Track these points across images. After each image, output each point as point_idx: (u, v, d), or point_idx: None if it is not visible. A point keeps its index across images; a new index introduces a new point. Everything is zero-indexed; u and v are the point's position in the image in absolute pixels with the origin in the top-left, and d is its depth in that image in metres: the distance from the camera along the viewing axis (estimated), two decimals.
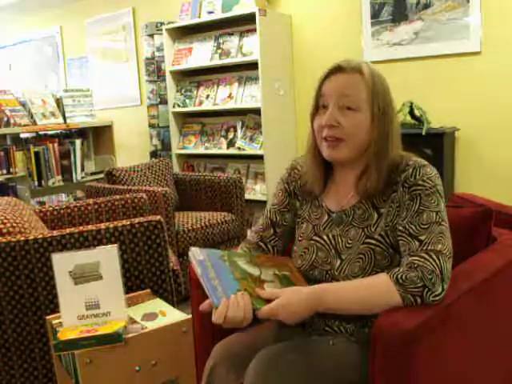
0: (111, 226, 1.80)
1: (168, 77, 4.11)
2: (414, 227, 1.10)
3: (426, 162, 1.17)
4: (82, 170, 3.88)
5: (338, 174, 1.26)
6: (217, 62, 3.81)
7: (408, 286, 1.04)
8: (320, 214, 1.27)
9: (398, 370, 0.98)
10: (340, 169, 1.25)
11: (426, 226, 1.09)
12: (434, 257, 1.05)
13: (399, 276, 1.05)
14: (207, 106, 3.95)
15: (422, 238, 1.08)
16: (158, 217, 1.86)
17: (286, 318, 1.06)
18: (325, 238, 1.24)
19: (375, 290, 1.07)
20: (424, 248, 1.07)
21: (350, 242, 1.19)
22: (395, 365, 0.98)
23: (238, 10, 3.65)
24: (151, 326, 1.46)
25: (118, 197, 2.45)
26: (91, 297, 1.45)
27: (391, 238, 1.15)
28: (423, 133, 2.79)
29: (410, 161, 1.16)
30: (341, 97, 1.15)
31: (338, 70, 1.18)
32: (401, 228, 1.12)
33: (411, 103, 2.96)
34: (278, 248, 1.35)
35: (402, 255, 1.12)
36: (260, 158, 3.69)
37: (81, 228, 1.79)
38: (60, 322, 1.48)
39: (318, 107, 1.20)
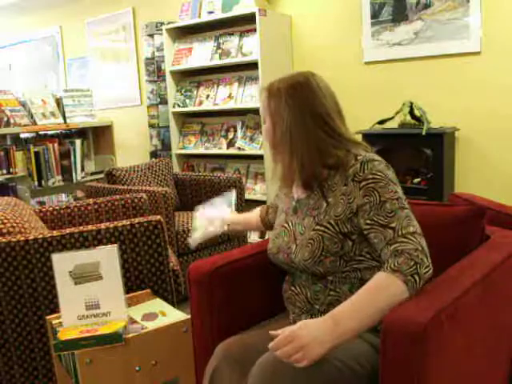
0: (111, 226, 1.80)
1: (168, 77, 4.11)
2: (381, 218, 1.17)
3: (373, 156, 1.24)
4: (82, 170, 3.87)
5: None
6: (217, 62, 3.81)
7: (403, 270, 1.09)
8: (289, 204, 1.40)
9: (409, 366, 0.98)
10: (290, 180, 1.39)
11: (392, 214, 1.17)
12: (411, 238, 1.13)
13: (391, 266, 1.11)
14: (207, 106, 3.95)
15: (393, 225, 1.16)
16: (158, 217, 1.86)
17: (307, 343, 1.02)
18: (289, 224, 1.36)
19: (379, 289, 1.10)
20: (399, 234, 1.15)
21: (303, 228, 1.30)
22: (406, 360, 0.98)
23: (237, 10, 3.65)
24: (151, 325, 1.47)
25: (117, 197, 2.45)
26: (91, 297, 1.45)
27: (341, 227, 1.23)
28: (423, 133, 2.79)
29: (359, 156, 1.24)
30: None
31: (261, 91, 1.38)
32: (368, 221, 1.19)
33: (411, 103, 2.96)
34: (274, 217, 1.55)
35: (379, 246, 1.18)
36: (260, 157, 3.69)
37: (81, 228, 1.79)
38: (60, 322, 1.48)
39: None
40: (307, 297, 1.29)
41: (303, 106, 1.27)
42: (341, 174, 1.24)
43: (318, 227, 1.25)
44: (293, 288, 1.34)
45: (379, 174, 1.20)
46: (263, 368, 1.10)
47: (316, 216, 1.27)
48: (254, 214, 1.69)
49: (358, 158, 1.23)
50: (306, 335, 1.03)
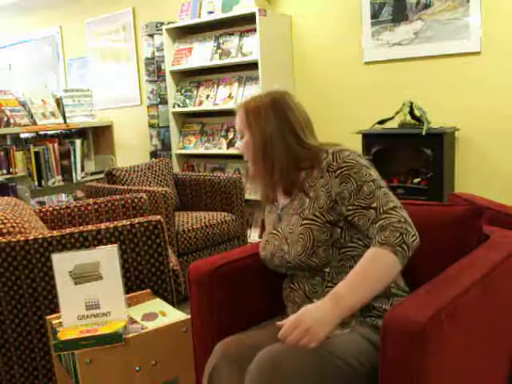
0: (111, 226, 1.80)
1: (168, 77, 4.11)
2: (362, 201, 1.23)
3: (342, 147, 1.32)
4: (82, 170, 3.87)
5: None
6: (217, 62, 3.81)
7: (390, 241, 1.15)
8: (275, 213, 1.45)
9: (408, 364, 0.99)
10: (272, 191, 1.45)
11: (371, 195, 1.23)
12: (393, 212, 1.20)
13: (379, 240, 1.17)
14: (207, 106, 3.95)
15: (374, 205, 1.22)
16: (158, 217, 1.86)
17: (311, 326, 1.08)
18: (279, 230, 1.39)
19: (371, 262, 1.16)
20: (381, 211, 1.21)
21: (291, 227, 1.34)
22: (405, 359, 0.99)
23: (238, 10, 3.65)
24: (151, 325, 1.47)
25: (117, 197, 2.45)
26: (91, 297, 1.45)
27: (326, 217, 1.28)
28: (423, 133, 2.79)
29: (329, 149, 1.31)
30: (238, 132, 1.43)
31: (237, 109, 1.44)
32: (350, 207, 1.25)
33: (411, 103, 2.95)
34: None
35: (365, 227, 1.23)
36: None
37: (81, 228, 1.79)
38: (60, 322, 1.48)
39: None
40: (305, 291, 1.33)
41: (282, 121, 1.35)
42: (317, 169, 1.32)
43: (305, 222, 1.30)
44: (291, 285, 1.37)
45: (351, 161, 1.27)
46: (261, 365, 1.11)
47: (301, 212, 1.32)
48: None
49: (329, 151, 1.30)
50: (308, 319, 1.10)
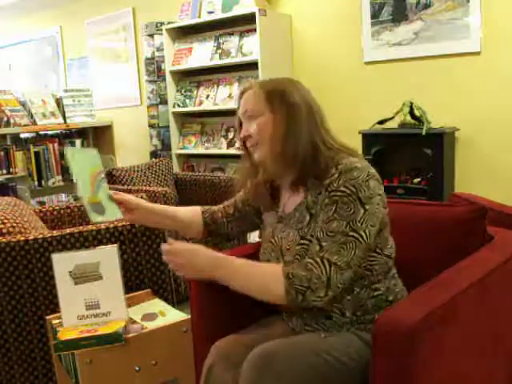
0: (111, 226, 1.81)
1: (168, 77, 4.11)
2: (321, 233, 1.17)
3: (355, 165, 1.18)
4: None
5: (283, 180, 1.35)
6: (217, 62, 3.81)
7: (294, 283, 1.12)
8: (276, 218, 1.36)
9: (399, 367, 0.99)
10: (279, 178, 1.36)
11: (331, 235, 1.14)
12: (327, 265, 1.12)
13: (290, 272, 1.14)
14: (207, 106, 3.95)
15: (324, 244, 1.15)
16: None
17: (181, 264, 1.22)
18: (276, 238, 1.33)
19: (266, 279, 1.17)
20: (321, 254, 1.13)
21: (289, 243, 1.27)
22: (396, 361, 0.99)
23: (238, 10, 3.65)
24: (151, 326, 1.46)
25: None
26: (91, 297, 1.45)
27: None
28: (423, 133, 2.79)
29: (340, 164, 1.19)
30: (244, 113, 1.31)
31: (241, 93, 1.35)
32: (311, 233, 1.20)
33: (411, 103, 2.95)
34: (231, 227, 1.50)
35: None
36: None
37: (81, 228, 1.79)
38: (60, 322, 1.48)
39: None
40: None
41: (305, 101, 1.27)
42: (322, 185, 1.22)
43: (302, 241, 1.23)
44: None
45: (350, 188, 1.15)
46: (253, 362, 1.11)
47: (300, 229, 1.25)
48: (190, 212, 1.51)
49: (339, 167, 1.18)
50: (187, 257, 1.22)
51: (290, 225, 1.29)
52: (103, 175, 1.40)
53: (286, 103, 1.25)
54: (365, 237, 1.14)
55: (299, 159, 1.24)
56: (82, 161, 1.37)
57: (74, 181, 1.39)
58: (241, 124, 1.34)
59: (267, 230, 1.39)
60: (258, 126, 1.27)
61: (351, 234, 1.13)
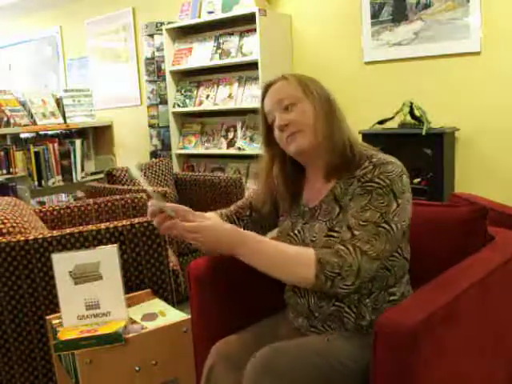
0: (111, 226, 1.80)
1: (168, 77, 4.11)
2: (353, 220, 1.15)
3: (390, 159, 1.20)
4: (82, 170, 3.88)
5: (308, 173, 1.34)
6: (217, 62, 3.81)
7: (326, 268, 1.10)
8: (298, 212, 1.34)
9: (400, 368, 0.99)
10: (308, 168, 1.34)
11: (364, 224, 1.13)
12: (358, 254, 1.11)
13: (322, 256, 1.11)
14: (207, 106, 3.95)
15: (356, 233, 1.13)
16: None
17: (205, 241, 1.17)
18: (296, 232, 1.31)
19: (296, 260, 1.14)
20: (353, 242, 1.12)
21: (314, 235, 1.25)
22: (397, 362, 0.99)
23: (238, 10, 3.65)
24: (151, 325, 1.46)
25: (118, 197, 2.45)
26: (91, 297, 1.45)
27: None
28: (423, 133, 2.79)
29: (374, 158, 1.21)
30: (278, 103, 1.26)
31: (268, 86, 1.31)
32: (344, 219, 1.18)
33: (411, 103, 2.95)
34: (248, 229, 1.40)
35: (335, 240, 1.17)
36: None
37: (81, 228, 1.79)
38: (60, 322, 1.48)
39: (269, 127, 1.31)
40: (310, 303, 1.27)
41: (328, 92, 1.28)
42: (353, 176, 1.21)
43: (330, 233, 1.21)
44: (296, 289, 1.32)
45: (385, 180, 1.16)
46: (256, 364, 1.11)
47: (328, 221, 1.23)
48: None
49: (373, 160, 1.20)
50: (210, 235, 1.17)
51: (316, 217, 1.27)
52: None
53: (322, 93, 1.26)
54: (395, 230, 1.14)
55: (340, 149, 1.23)
56: None
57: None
58: (266, 120, 1.32)
59: (286, 224, 1.36)
60: (299, 113, 1.24)
61: (383, 225, 1.13)
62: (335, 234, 1.20)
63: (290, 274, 1.16)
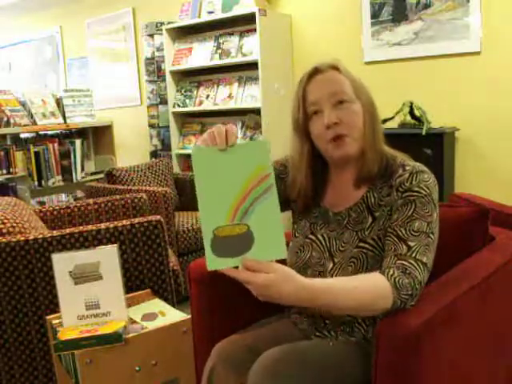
0: (111, 226, 1.80)
1: (168, 77, 4.11)
2: (403, 231, 1.09)
3: (424, 168, 1.16)
4: (82, 170, 3.87)
5: (334, 175, 1.27)
6: (217, 62, 3.81)
7: (401, 292, 1.03)
8: (318, 213, 1.27)
9: (402, 370, 0.99)
10: (336, 170, 1.25)
11: (416, 234, 1.08)
12: (422, 268, 1.06)
13: (397, 280, 1.03)
14: (207, 106, 3.95)
15: (411, 244, 1.07)
16: (158, 217, 1.86)
17: (271, 297, 0.96)
18: (320, 238, 1.24)
19: (372, 296, 1.03)
20: (413, 255, 1.06)
21: (343, 245, 1.19)
22: (398, 364, 0.98)
23: (238, 10, 3.65)
24: (151, 326, 1.46)
25: (118, 197, 2.45)
26: (91, 297, 1.45)
27: (383, 241, 1.15)
28: (423, 133, 2.79)
29: (407, 165, 1.16)
30: (331, 96, 1.16)
31: (315, 72, 1.19)
32: (389, 230, 1.12)
33: (411, 103, 2.95)
34: None
35: (386, 254, 1.10)
36: None
37: (81, 228, 1.79)
38: (60, 322, 1.48)
39: (307, 116, 1.20)
40: (321, 309, 1.22)
41: (370, 93, 1.24)
42: (387, 185, 1.16)
43: (361, 244, 1.16)
44: None
45: (425, 189, 1.12)
46: (264, 365, 1.10)
47: (359, 231, 1.17)
48: None
49: (407, 168, 1.15)
50: (277, 292, 0.94)
51: (344, 225, 1.21)
52: (270, 184, 0.91)
53: (369, 97, 1.21)
54: (436, 240, 1.11)
55: (379, 158, 1.18)
56: (228, 162, 0.89)
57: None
58: (304, 107, 1.19)
59: (304, 225, 1.28)
60: (351, 114, 1.16)
61: (431, 235, 1.10)
62: (366, 246, 1.15)
63: (368, 310, 1.05)
